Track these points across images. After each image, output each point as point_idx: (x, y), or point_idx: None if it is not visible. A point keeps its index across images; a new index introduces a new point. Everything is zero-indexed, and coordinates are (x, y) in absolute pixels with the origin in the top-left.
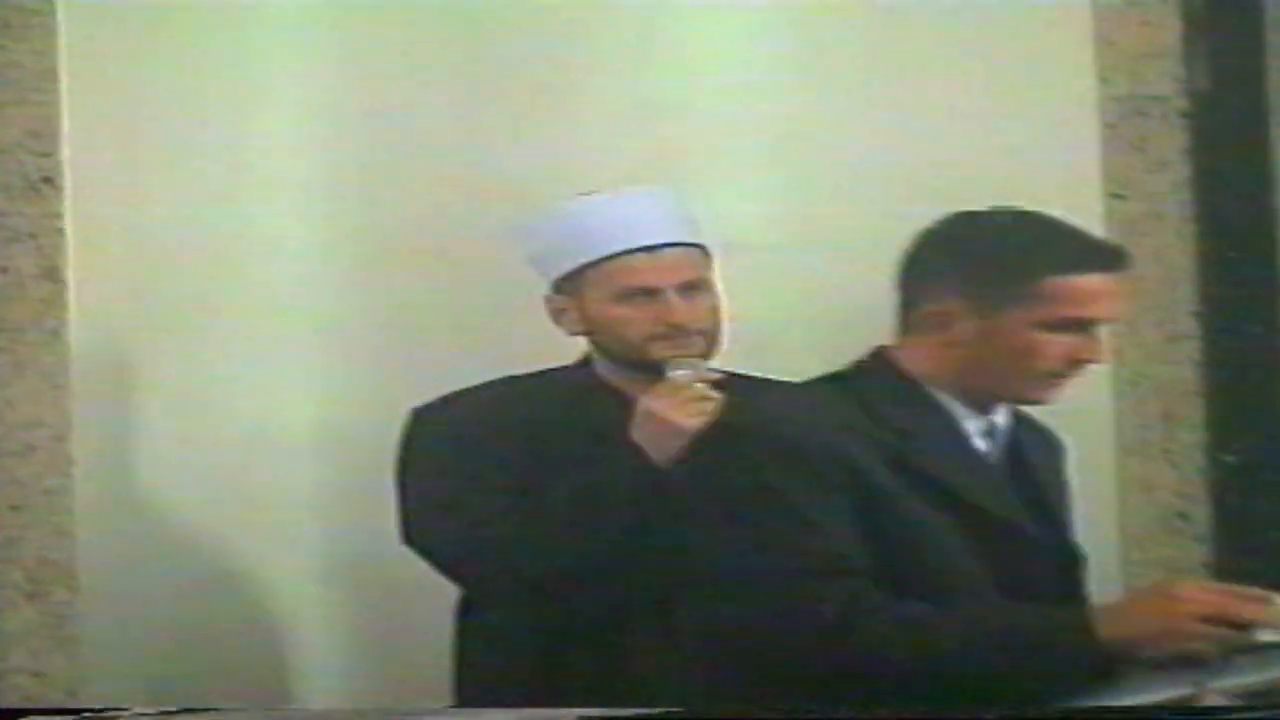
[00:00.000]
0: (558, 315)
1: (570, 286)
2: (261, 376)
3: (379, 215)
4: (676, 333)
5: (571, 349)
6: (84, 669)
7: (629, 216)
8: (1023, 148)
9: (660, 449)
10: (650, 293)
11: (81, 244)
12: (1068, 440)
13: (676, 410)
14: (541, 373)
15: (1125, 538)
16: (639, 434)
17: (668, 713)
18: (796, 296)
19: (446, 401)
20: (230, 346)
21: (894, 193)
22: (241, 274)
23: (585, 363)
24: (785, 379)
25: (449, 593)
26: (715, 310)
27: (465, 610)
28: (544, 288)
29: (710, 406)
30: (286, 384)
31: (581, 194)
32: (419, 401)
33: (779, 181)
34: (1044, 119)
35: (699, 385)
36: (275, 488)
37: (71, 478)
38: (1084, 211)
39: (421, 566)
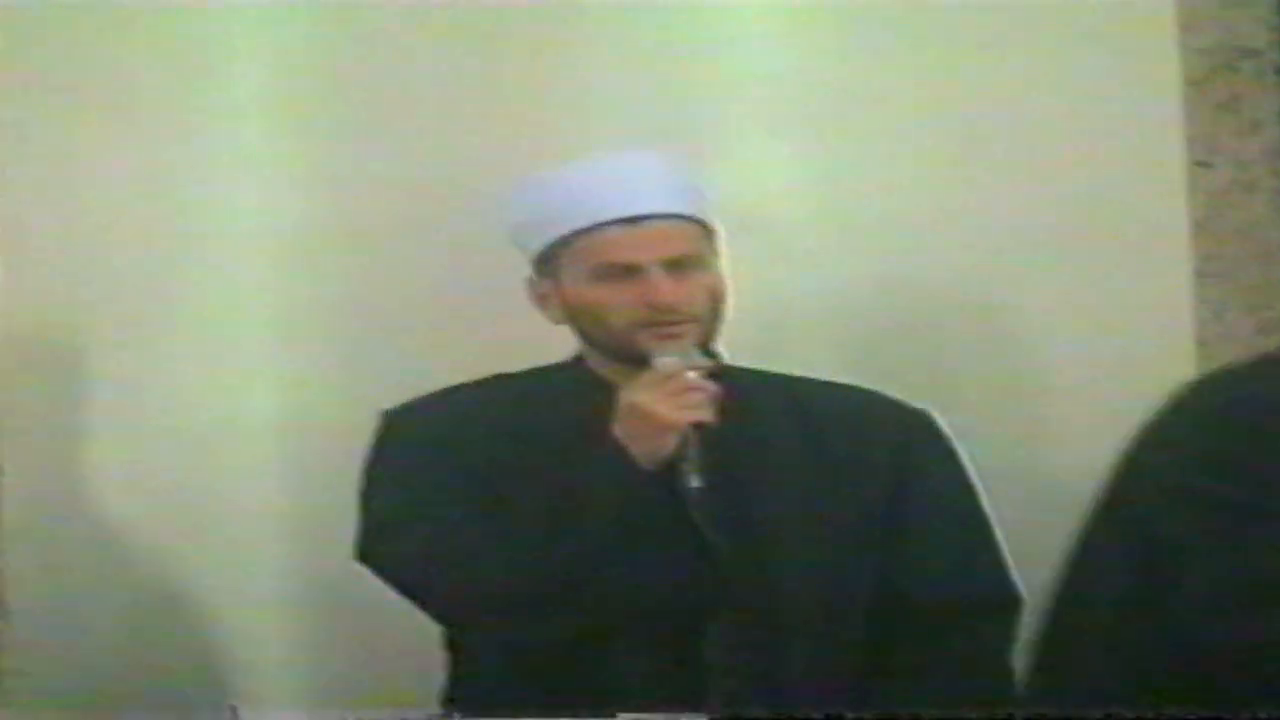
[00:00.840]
0: (540, 301)
1: (548, 267)
2: (214, 373)
3: (348, 193)
4: (663, 316)
5: (566, 343)
6: (12, 701)
7: (606, 184)
8: (1091, 109)
9: (644, 447)
10: (631, 270)
11: (10, 227)
12: None
13: (663, 403)
14: (532, 370)
15: None
16: (621, 431)
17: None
18: (820, 281)
19: (422, 403)
20: (179, 340)
21: (937, 162)
22: (192, 259)
23: (580, 357)
24: (799, 374)
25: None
26: (712, 291)
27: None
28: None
29: (702, 399)
30: (243, 381)
31: (561, 161)
32: (393, 402)
33: (801, 149)
34: (1116, 75)
35: (689, 375)
36: (231, 498)
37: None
38: (1164, 181)
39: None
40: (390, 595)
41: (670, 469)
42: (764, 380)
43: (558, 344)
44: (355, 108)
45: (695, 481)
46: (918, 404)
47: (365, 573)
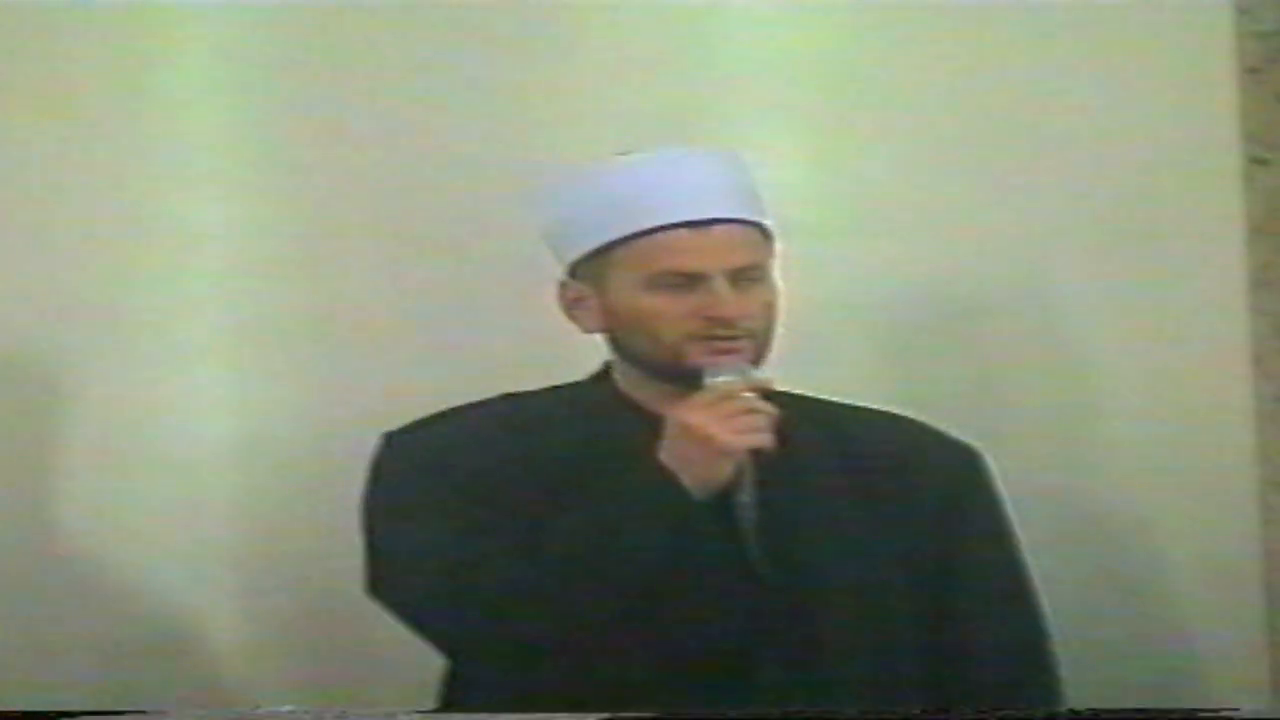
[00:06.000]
0: (573, 306)
1: (591, 270)
2: (169, 393)
3: (326, 193)
4: (721, 330)
5: (575, 360)
6: None
7: (671, 183)
8: (1138, 100)
9: (698, 474)
10: (693, 279)
11: None
12: (1206, 470)
13: (720, 425)
14: (549, 389)
15: (1271, 568)
16: (671, 455)
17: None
18: (850, 287)
19: (427, 424)
20: (140, 353)
21: (968, 160)
22: (151, 264)
23: (603, 376)
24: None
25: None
26: (770, 307)
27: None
28: (557, 271)
29: (762, 421)
30: (200, 402)
31: (618, 154)
32: (372, 419)
33: (831, 146)
34: (1165, 62)
35: (747, 395)
36: (194, 531)
37: None
38: (1218, 179)
39: (392, 629)
40: (383, 639)
41: (722, 499)
42: (802, 406)
43: (552, 358)
44: (320, 105)
45: (751, 513)
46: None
47: (348, 609)
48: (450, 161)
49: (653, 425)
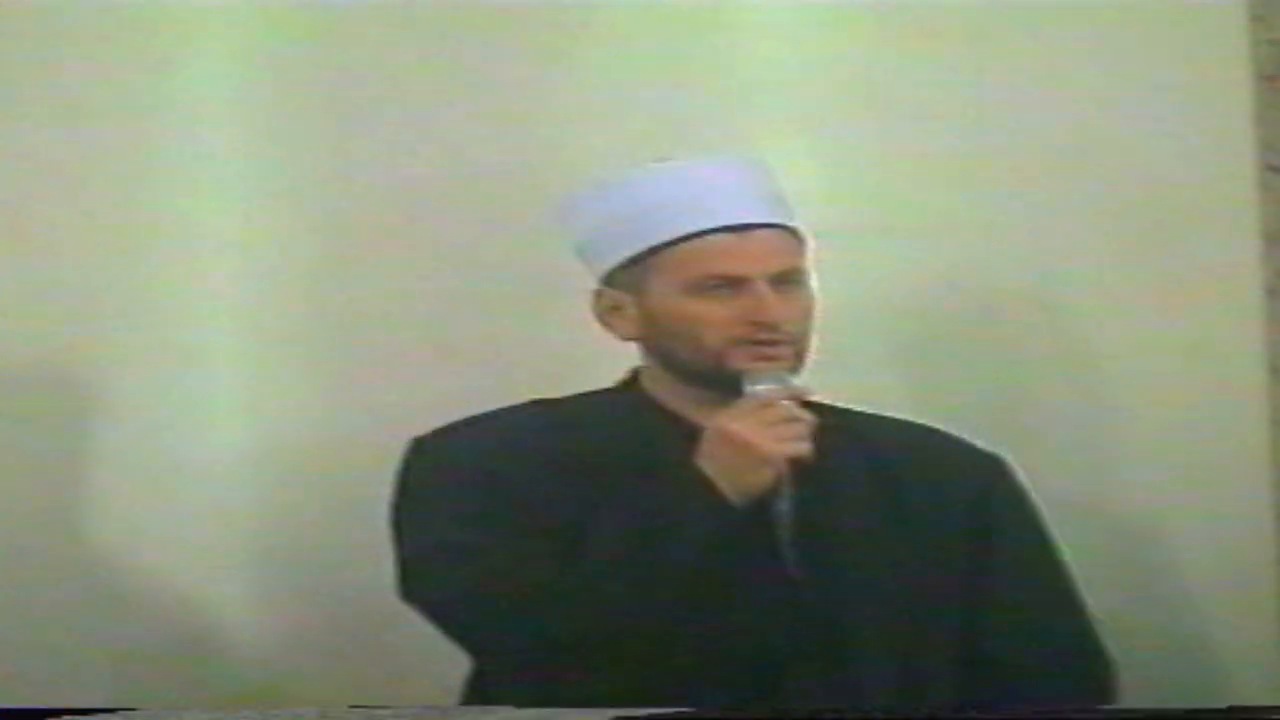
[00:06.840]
0: (609, 314)
1: (629, 277)
2: (200, 398)
3: (346, 201)
4: (764, 335)
5: (594, 367)
6: None
7: (709, 189)
8: (1153, 109)
9: (739, 481)
10: (735, 283)
11: None
12: (1222, 474)
13: (761, 433)
14: (579, 395)
15: None
16: (710, 462)
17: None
18: (868, 293)
19: (457, 429)
20: (160, 360)
21: (992, 167)
22: (170, 272)
23: (632, 382)
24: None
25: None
26: (809, 312)
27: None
28: (577, 278)
29: (802, 431)
30: (213, 410)
31: (655, 161)
32: (391, 426)
33: (849, 152)
34: (1183, 71)
35: (786, 404)
36: (215, 536)
37: None
38: (1233, 186)
39: (413, 632)
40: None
41: (759, 506)
42: (831, 415)
43: (572, 364)
44: (338, 113)
45: (788, 520)
46: (991, 448)
47: (357, 598)
48: (468, 169)
49: (686, 431)
